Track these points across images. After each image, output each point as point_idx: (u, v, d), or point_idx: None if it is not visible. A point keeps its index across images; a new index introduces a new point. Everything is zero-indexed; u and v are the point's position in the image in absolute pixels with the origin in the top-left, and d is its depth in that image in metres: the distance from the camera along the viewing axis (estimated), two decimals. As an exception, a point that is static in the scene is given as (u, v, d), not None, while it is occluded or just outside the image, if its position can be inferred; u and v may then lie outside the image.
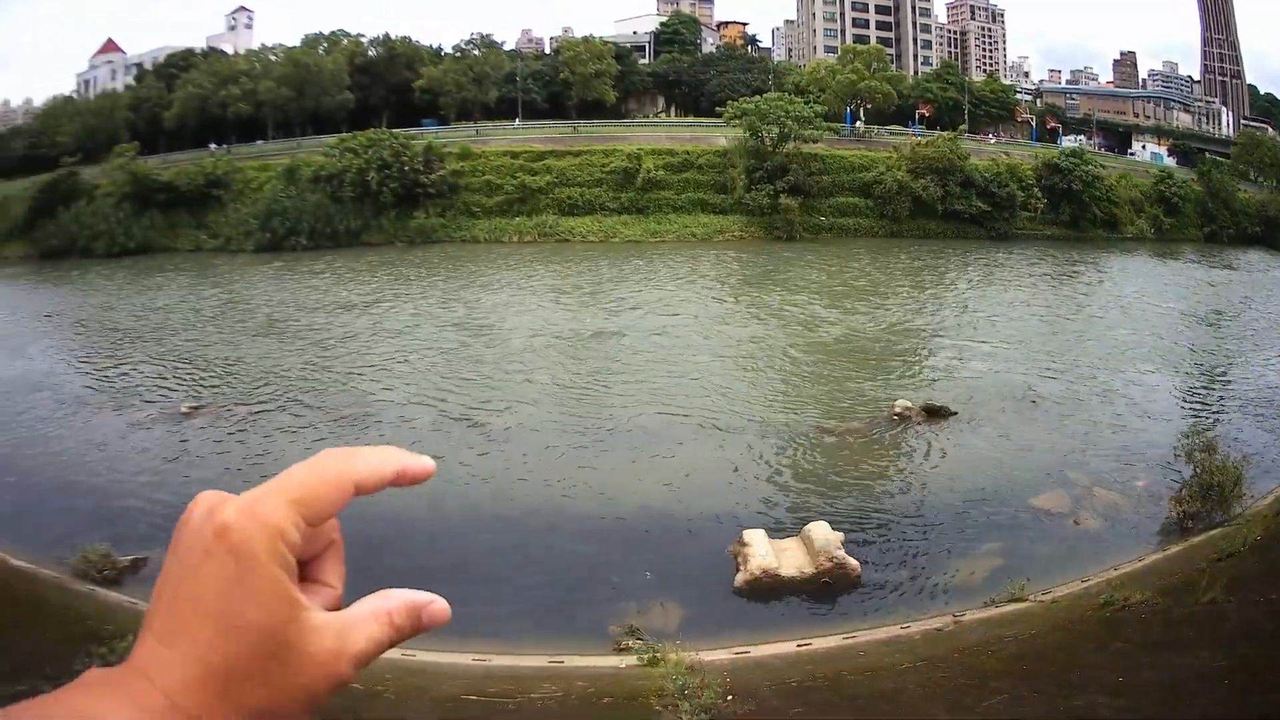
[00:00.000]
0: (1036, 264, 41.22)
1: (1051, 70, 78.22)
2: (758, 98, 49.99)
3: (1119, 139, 74.72)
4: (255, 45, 62.63)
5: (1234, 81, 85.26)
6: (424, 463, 0.67)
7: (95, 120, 58.55)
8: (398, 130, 48.24)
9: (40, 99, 66.50)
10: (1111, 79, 79.14)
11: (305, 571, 0.62)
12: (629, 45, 65.44)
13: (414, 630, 0.65)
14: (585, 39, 58.94)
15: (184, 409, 18.68)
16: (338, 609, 0.63)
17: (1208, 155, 66.59)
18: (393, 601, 0.64)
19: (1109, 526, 11.77)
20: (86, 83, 69.04)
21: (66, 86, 71.18)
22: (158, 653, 0.55)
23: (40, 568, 11.09)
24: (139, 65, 65.79)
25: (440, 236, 44.97)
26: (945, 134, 54.22)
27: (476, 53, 55.55)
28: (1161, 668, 6.97)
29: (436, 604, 0.66)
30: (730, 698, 6.81)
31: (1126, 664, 7.16)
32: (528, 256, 40.81)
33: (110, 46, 69.86)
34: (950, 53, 73.37)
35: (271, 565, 0.56)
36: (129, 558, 11.58)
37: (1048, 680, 7.06)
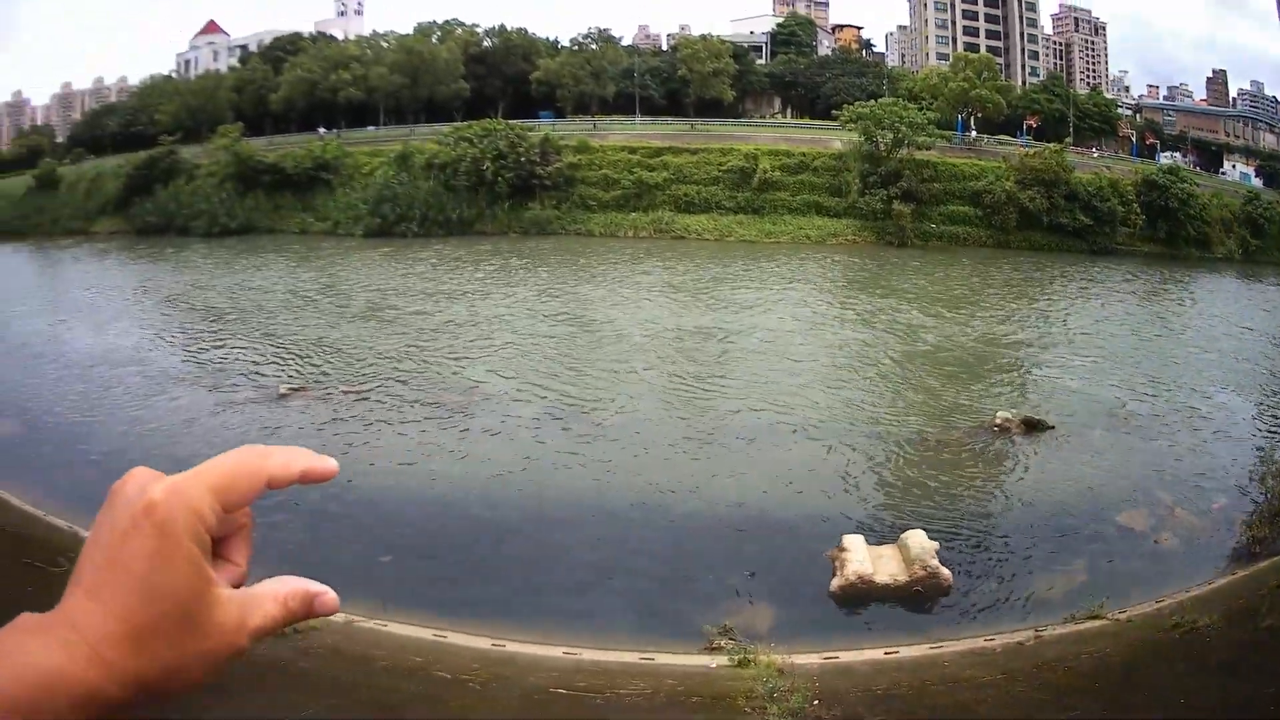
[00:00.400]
0: (1129, 280, 40.08)
1: (1149, 85, 76.67)
2: (873, 102, 49.09)
3: (1211, 158, 73.17)
4: (365, 31, 62.61)
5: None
6: (328, 464, 0.72)
7: (196, 100, 58.57)
8: (514, 121, 47.68)
9: (135, 77, 66.60)
10: (1204, 96, 77.54)
11: (217, 550, 0.69)
12: (746, 45, 64.65)
13: (304, 615, 0.71)
14: (703, 37, 58.29)
15: (281, 390, 18.20)
16: (241, 586, 0.70)
17: (1289, 177, 65.35)
18: (288, 587, 0.71)
19: (1185, 547, 11.56)
20: (187, 62, 69.24)
21: (163, 66, 71.24)
22: (85, 606, 0.61)
23: None
24: (243, 47, 65.80)
25: (555, 229, 44.38)
26: (1052, 146, 53.09)
27: (594, 47, 54.97)
28: (1218, 691, 7.03)
29: (327, 595, 0.72)
30: (816, 702, 6.68)
31: (1188, 686, 7.15)
32: (641, 252, 40.23)
33: (212, 27, 70.07)
34: (1056, 64, 72.06)
35: (189, 543, 0.63)
36: None
37: (1116, 698, 7.08)
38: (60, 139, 76.15)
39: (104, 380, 20.02)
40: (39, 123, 79.60)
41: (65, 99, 79.10)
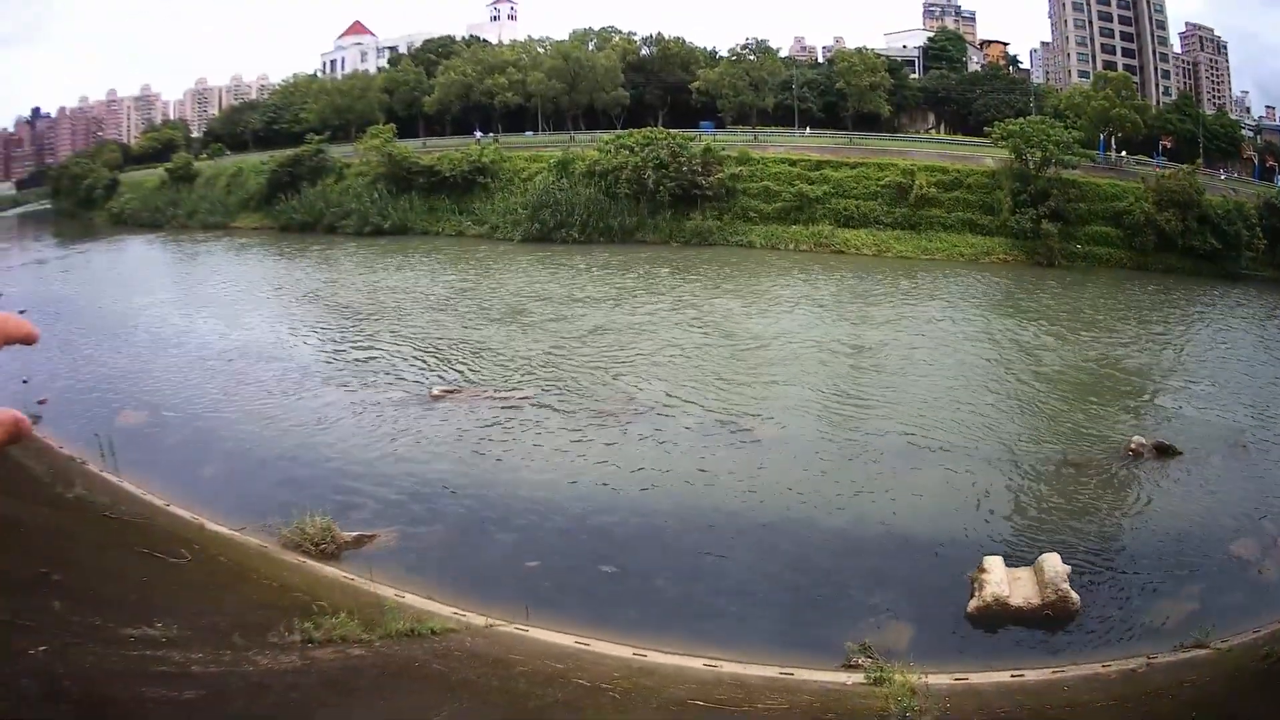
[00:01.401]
0: (1249, 305, 39.63)
1: (1268, 107, 75.96)
2: (1022, 120, 49.36)
3: (1322, 181, 72.43)
4: (519, 36, 63.41)
5: None
6: (33, 331, 1.00)
7: (344, 100, 59.66)
8: (674, 130, 48.33)
9: (276, 76, 67.81)
10: (1316, 119, 76.84)
11: None
12: (899, 59, 65.20)
13: (17, 437, 0.98)
14: (859, 50, 58.63)
15: (434, 392, 18.34)
16: None
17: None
18: (7, 414, 0.97)
19: None
20: (332, 63, 70.48)
21: (305, 65, 71.89)
22: None
23: (246, 535, 10.87)
24: (392, 49, 66.89)
25: (717, 239, 44.82)
26: (1185, 167, 53.09)
27: (752, 58, 55.48)
28: None
29: (26, 422, 0.99)
30: None
31: (1272, 714, 7.25)
32: (798, 265, 40.67)
33: (357, 28, 71.19)
34: (1185, 84, 71.80)
35: None
36: (353, 533, 11.26)
37: None
38: (195, 134, 77.83)
39: (239, 374, 20.34)
40: (170, 117, 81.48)
41: (200, 94, 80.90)
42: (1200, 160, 57.10)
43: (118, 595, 7.02)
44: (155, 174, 67.06)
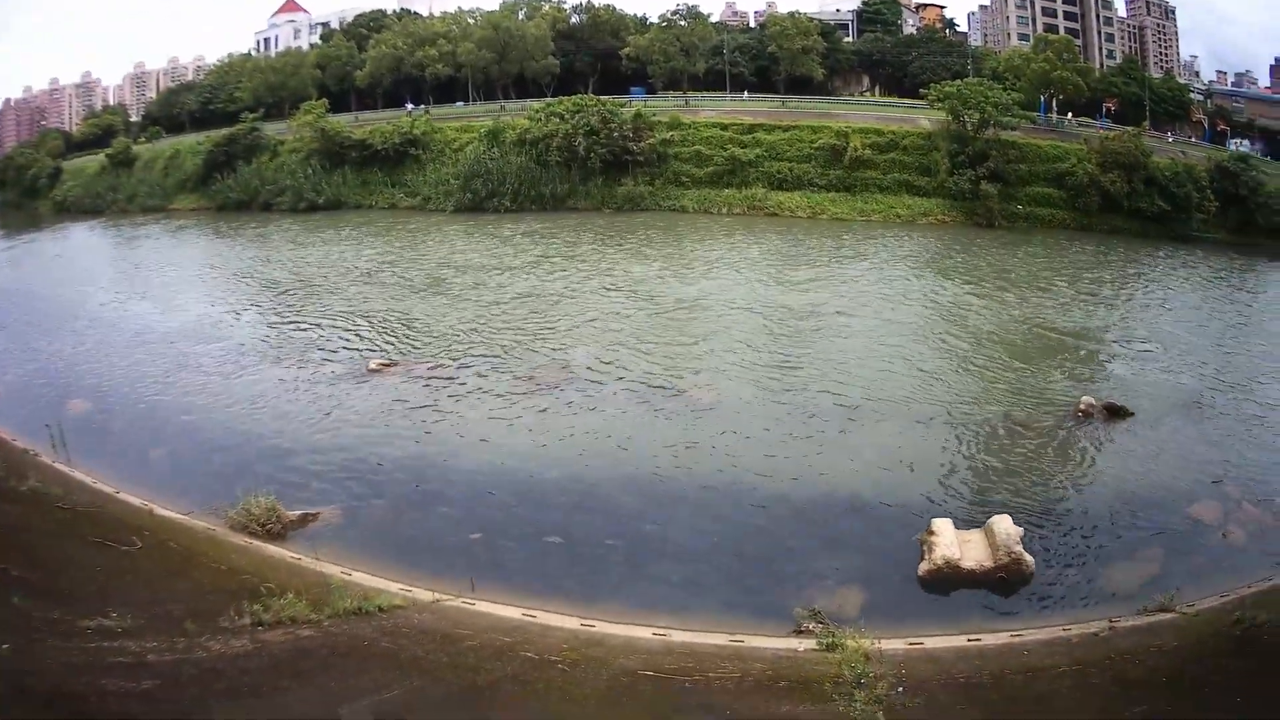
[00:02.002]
0: (1199, 267, 39.20)
1: (1219, 71, 75.93)
2: (959, 82, 49.02)
3: (1277, 146, 72.40)
4: (450, 8, 62.88)
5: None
6: None
7: (278, 77, 58.92)
8: (605, 97, 47.75)
9: (212, 57, 66.91)
10: (1268, 84, 76.77)
11: None
12: (833, 23, 64.86)
13: None
14: (791, 14, 58.28)
15: (371, 366, 18.18)
16: None
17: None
18: None
19: (1252, 542, 11.43)
20: (266, 41, 69.62)
21: (241, 45, 71.09)
22: None
23: (194, 519, 10.73)
24: (324, 25, 66.13)
25: (649, 205, 44.26)
26: (1130, 129, 52.78)
27: (683, 23, 55.02)
28: (1272, 690, 7.04)
29: None
30: (901, 689, 6.75)
31: (1245, 683, 7.20)
32: (731, 228, 40.11)
33: (290, 5, 70.45)
34: (1130, 47, 71.66)
35: None
36: (297, 512, 11.22)
37: (1180, 693, 7.18)
38: (134, 118, 76.78)
39: (180, 357, 20.09)
40: (111, 103, 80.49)
41: (139, 78, 79.92)
42: (1146, 123, 56.88)
43: (74, 587, 7.05)
44: (96, 160, 66.16)
